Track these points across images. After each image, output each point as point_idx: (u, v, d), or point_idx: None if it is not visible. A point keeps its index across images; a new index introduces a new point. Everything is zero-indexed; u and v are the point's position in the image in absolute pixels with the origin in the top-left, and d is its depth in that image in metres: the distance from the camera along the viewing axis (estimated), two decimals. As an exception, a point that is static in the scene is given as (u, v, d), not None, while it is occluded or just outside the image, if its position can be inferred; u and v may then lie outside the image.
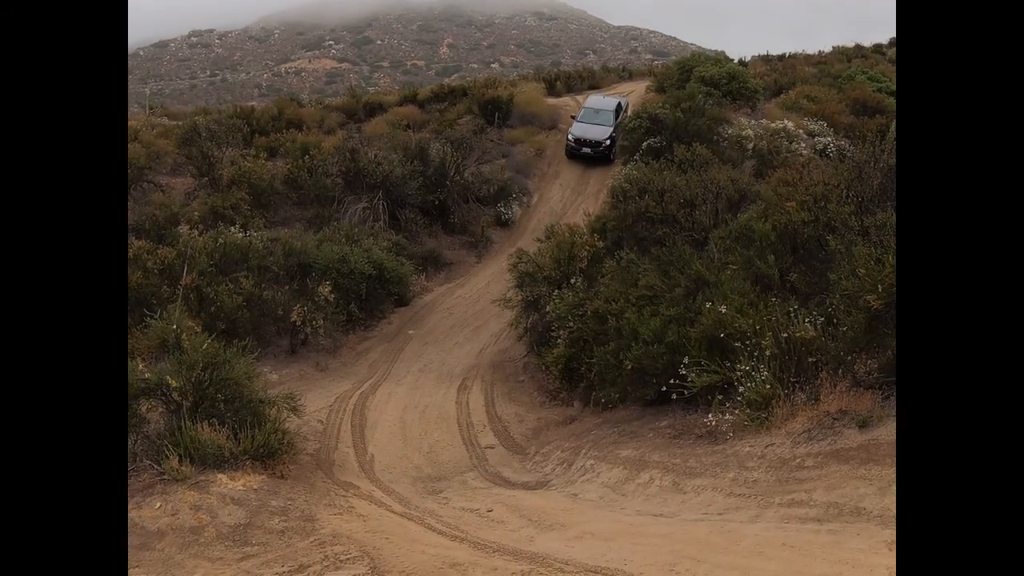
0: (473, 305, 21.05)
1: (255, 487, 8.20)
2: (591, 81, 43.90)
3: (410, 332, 19.34)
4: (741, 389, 9.03)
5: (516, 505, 8.69)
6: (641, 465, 9.29)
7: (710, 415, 9.17)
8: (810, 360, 9.52)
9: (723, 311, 9.89)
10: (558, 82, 42.25)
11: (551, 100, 36.46)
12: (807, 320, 9.70)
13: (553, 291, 15.46)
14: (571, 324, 13.87)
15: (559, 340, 14.18)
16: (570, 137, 29.89)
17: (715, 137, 25.06)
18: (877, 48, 50.04)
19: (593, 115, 30.13)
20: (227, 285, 16.35)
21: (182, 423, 8.78)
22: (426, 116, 33.56)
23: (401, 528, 7.73)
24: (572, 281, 15.14)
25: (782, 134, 27.43)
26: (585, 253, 16.20)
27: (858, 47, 50.16)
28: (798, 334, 9.46)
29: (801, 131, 28.22)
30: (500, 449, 12.42)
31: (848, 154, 25.61)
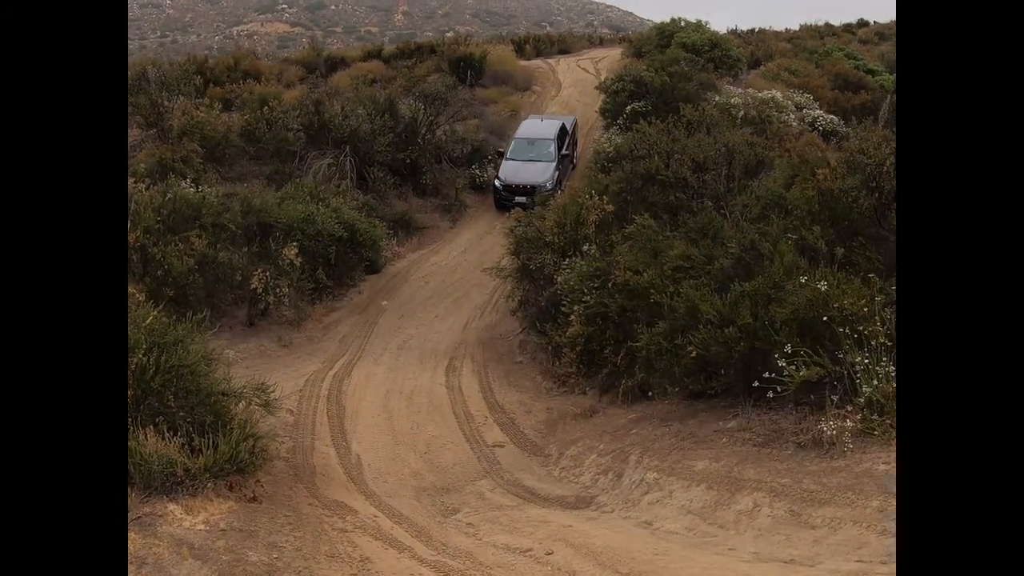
0: (451, 274, 18.83)
1: (222, 525, 5.84)
2: (561, 45, 42.07)
3: (384, 303, 17.04)
4: (865, 388, 6.92)
5: (582, 544, 6.37)
6: (733, 484, 7.07)
7: (825, 420, 6.98)
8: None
9: (823, 287, 7.78)
10: (527, 45, 40.42)
11: (522, 62, 34.56)
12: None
13: (560, 260, 13.31)
14: (587, 298, 11.73)
15: (572, 317, 12.01)
16: (497, 183, 21.75)
17: (703, 103, 23.25)
18: (847, 28, 49.62)
19: (526, 148, 21.93)
20: (177, 245, 13.88)
21: (119, 424, 6.43)
22: (392, 72, 31.33)
23: (449, 600, 5.43)
24: (585, 248, 12.98)
25: (771, 104, 25.98)
26: (594, 218, 14.06)
27: (828, 25, 50.00)
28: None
29: (789, 102, 26.90)
30: (511, 448, 10.24)
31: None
